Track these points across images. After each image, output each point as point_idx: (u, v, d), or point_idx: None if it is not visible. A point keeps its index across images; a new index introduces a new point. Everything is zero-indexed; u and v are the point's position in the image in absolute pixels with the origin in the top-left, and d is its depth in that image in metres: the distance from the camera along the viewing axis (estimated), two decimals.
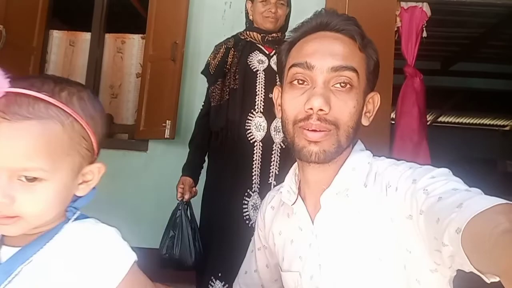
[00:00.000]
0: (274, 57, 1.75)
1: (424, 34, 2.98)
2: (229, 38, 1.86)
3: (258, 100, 1.71)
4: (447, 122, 8.55)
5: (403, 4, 2.95)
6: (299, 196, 0.84)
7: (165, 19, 2.75)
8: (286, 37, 1.05)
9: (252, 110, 1.70)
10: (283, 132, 0.81)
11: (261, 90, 1.72)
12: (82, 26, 3.43)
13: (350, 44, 0.76)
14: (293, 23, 1.17)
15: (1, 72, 0.54)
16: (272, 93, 1.34)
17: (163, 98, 2.64)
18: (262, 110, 1.70)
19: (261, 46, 1.79)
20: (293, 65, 0.77)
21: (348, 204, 0.76)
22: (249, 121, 1.70)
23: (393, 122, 3.06)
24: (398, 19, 2.95)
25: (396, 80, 2.77)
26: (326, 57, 0.74)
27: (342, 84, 0.73)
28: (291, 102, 0.76)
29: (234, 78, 1.74)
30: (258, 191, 1.66)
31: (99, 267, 0.60)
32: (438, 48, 4.99)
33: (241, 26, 1.92)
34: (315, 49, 0.76)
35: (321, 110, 0.71)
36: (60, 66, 3.38)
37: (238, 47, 1.79)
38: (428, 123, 8.02)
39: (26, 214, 0.57)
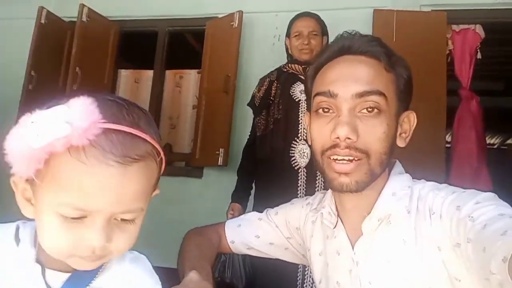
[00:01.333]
0: None
1: (479, 56, 2.89)
2: (272, 71, 1.96)
3: (301, 128, 1.78)
4: None
5: (454, 27, 2.90)
6: (339, 219, 0.81)
7: (219, 55, 2.94)
8: None
9: (295, 138, 1.77)
10: (314, 161, 0.78)
11: (304, 119, 1.79)
12: (145, 64, 3.75)
13: (375, 65, 0.73)
14: None
15: (88, 101, 0.48)
16: None
17: (216, 127, 2.80)
18: (305, 138, 1.76)
19: (302, 77, 1.85)
20: (317, 94, 0.75)
21: (391, 231, 0.73)
22: (293, 149, 1.76)
23: (448, 145, 2.95)
24: (449, 42, 2.90)
25: (450, 102, 2.70)
26: (349, 83, 0.71)
27: (369, 109, 0.70)
28: (318, 131, 0.74)
29: (277, 108, 1.83)
30: None
31: None
32: (499, 68, 4.74)
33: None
34: (337, 76, 0.73)
35: (348, 138, 0.69)
36: None
37: (281, 79, 1.88)
38: (495, 147, 7.51)
39: (116, 252, 0.55)
